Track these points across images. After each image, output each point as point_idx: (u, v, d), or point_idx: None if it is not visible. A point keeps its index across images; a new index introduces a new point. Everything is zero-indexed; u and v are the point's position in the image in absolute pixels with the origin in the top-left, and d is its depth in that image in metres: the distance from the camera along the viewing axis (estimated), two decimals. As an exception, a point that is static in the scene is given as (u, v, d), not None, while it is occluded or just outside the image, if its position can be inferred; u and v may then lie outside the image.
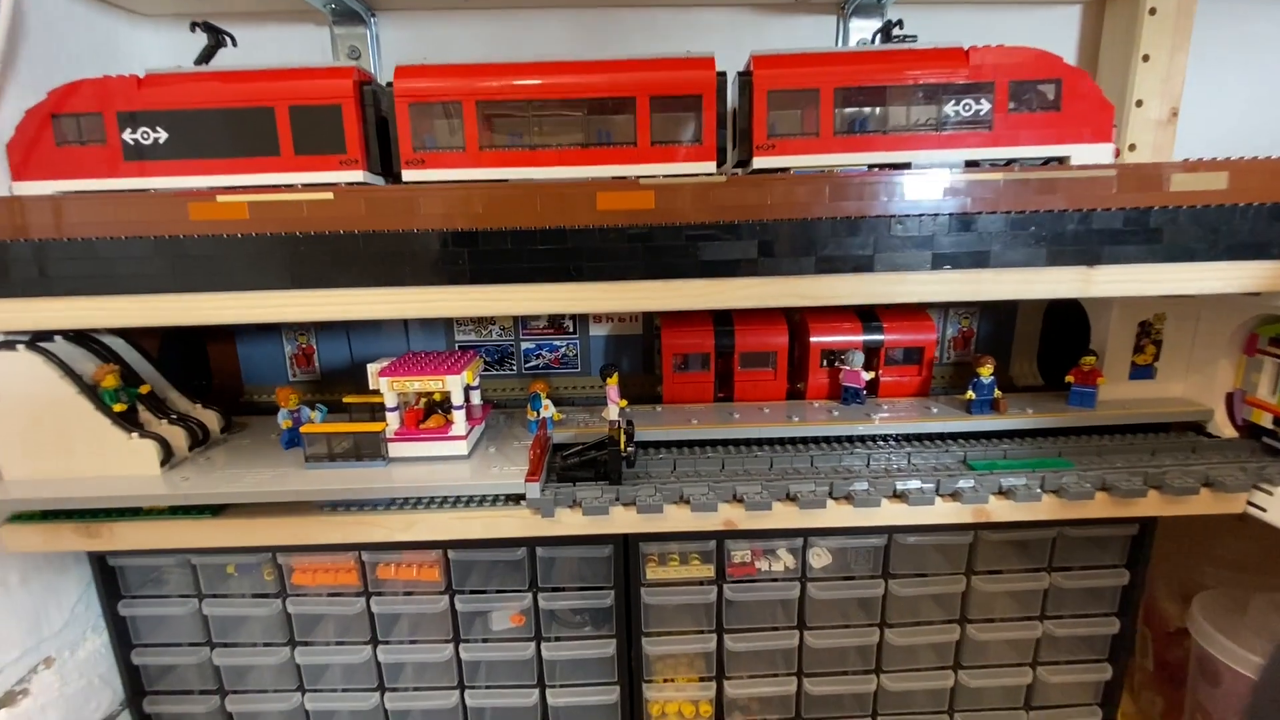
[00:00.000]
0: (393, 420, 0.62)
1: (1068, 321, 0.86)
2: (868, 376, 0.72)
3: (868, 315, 0.76)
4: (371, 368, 0.62)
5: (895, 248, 0.54)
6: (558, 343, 0.88)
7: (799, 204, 0.53)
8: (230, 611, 0.70)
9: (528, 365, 0.89)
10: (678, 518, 0.59)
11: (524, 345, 0.88)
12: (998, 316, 0.87)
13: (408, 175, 0.59)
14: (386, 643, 0.72)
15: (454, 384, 0.60)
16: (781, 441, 0.69)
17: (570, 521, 0.59)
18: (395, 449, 0.62)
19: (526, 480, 0.57)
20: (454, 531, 0.60)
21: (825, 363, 0.76)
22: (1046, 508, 0.60)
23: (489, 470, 0.60)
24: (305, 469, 0.62)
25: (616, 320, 0.87)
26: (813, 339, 0.74)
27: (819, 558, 0.70)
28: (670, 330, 0.74)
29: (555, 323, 0.88)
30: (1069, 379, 0.71)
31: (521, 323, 0.88)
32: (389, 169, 0.62)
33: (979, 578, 0.70)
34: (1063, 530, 0.68)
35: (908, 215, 0.54)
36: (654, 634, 0.71)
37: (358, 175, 0.59)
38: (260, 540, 0.62)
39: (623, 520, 0.59)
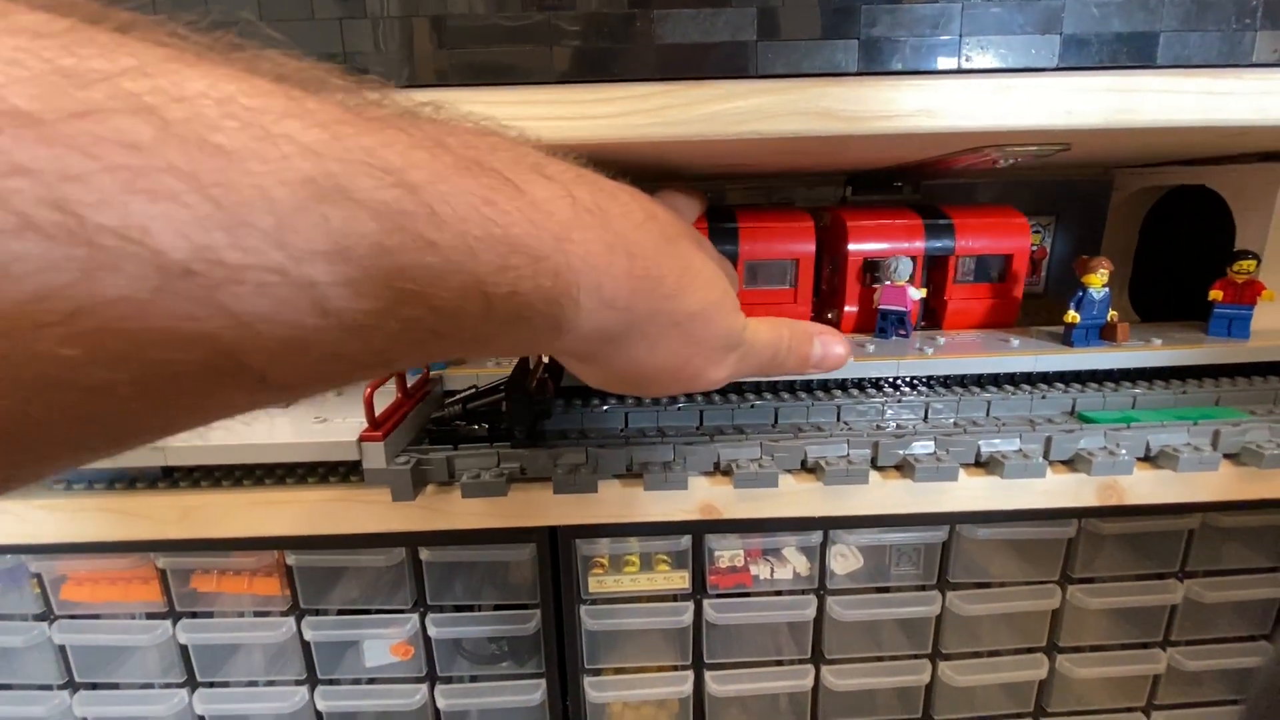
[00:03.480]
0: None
1: (1176, 235, 0.63)
2: (917, 295, 0.49)
3: (931, 212, 0.52)
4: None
5: (992, 27, 0.31)
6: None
7: (830, -63, 0.30)
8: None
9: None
10: (622, 500, 0.36)
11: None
12: (1080, 227, 0.64)
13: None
14: (209, 685, 0.49)
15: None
16: (790, 388, 0.46)
17: (445, 508, 0.36)
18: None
19: (362, 439, 0.33)
20: (259, 524, 0.37)
21: (869, 281, 0.53)
22: (1224, 481, 0.37)
23: (315, 424, 0.37)
24: None
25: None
26: (851, 245, 0.51)
27: (844, 560, 0.47)
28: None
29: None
30: (1213, 295, 0.48)
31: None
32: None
33: (1079, 588, 0.47)
34: (1208, 517, 0.45)
35: (1020, -35, 0.30)
36: (601, 672, 0.49)
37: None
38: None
39: (533, 505, 0.36)
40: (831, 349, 0.31)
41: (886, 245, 0.51)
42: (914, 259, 0.50)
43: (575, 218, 0.18)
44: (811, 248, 0.50)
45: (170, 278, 0.10)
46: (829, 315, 0.54)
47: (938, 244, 0.51)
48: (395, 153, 0.14)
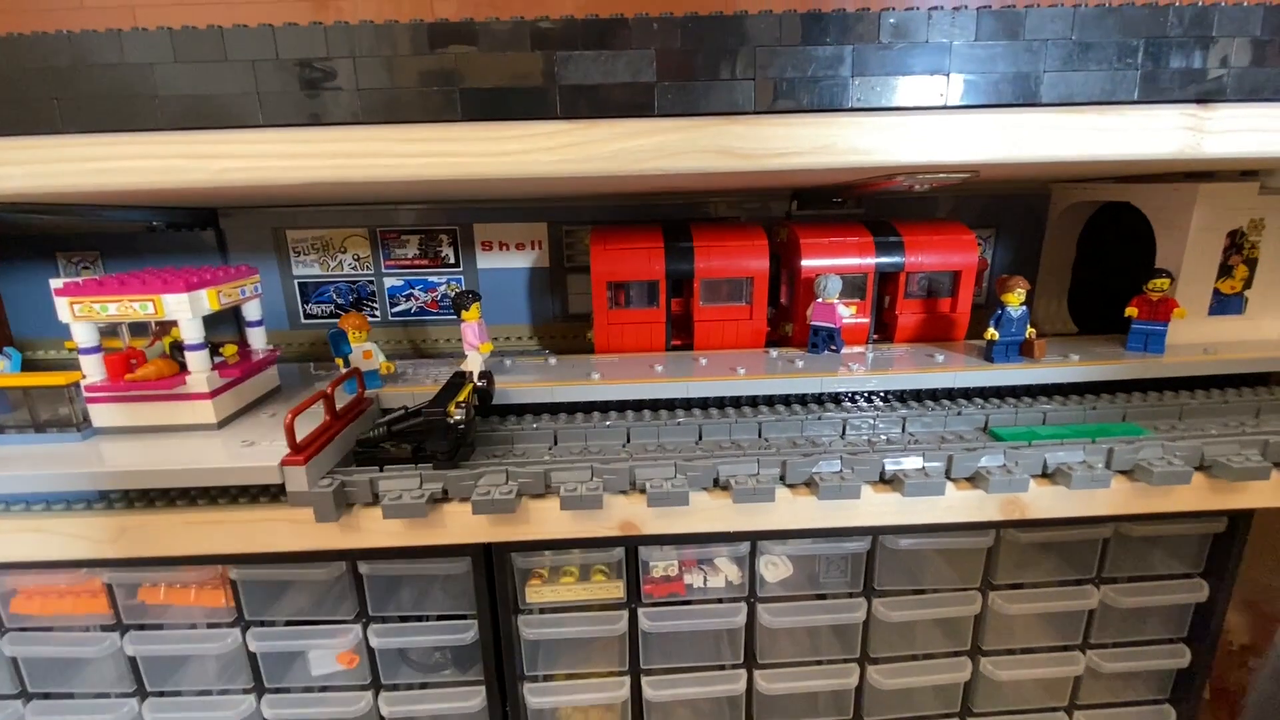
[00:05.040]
0: (92, 369, 0.39)
1: (1111, 247, 0.64)
2: (846, 313, 0.51)
3: (881, 228, 0.54)
4: (54, 283, 0.39)
5: (887, 68, 0.32)
6: (434, 279, 0.66)
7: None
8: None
9: (395, 311, 0.67)
10: (542, 519, 0.37)
11: (388, 282, 0.66)
12: (1020, 239, 0.65)
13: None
14: (159, 695, 0.50)
15: (178, 308, 0.38)
16: (719, 404, 0.48)
17: (370, 527, 0.37)
18: (102, 414, 0.39)
19: (284, 463, 0.35)
20: (192, 543, 0.38)
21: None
22: (1116, 497, 0.39)
23: (242, 447, 0.38)
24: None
25: (513, 248, 0.65)
26: (805, 261, 0.52)
27: (774, 569, 0.48)
28: (603, 247, 0.52)
29: (429, 251, 0.65)
30: (1130, 312, 0.50)
31: (384, 252, 0.65)
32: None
33: (1000, 594, 0.49)
34: (1121, 527, 0.47)
35: (909, 8, 0.32)
36: (539, 679, 0.50)
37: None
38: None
39: (454, 524, 0.37)
40: None
41: (841, 261, 0.52)
42: (865, 275, 0.52)
43: None
44: (764, 263, 0.52)
45: None
46: (786, 328, 0.56)
47: (890, 260, 0.52)
48: None
